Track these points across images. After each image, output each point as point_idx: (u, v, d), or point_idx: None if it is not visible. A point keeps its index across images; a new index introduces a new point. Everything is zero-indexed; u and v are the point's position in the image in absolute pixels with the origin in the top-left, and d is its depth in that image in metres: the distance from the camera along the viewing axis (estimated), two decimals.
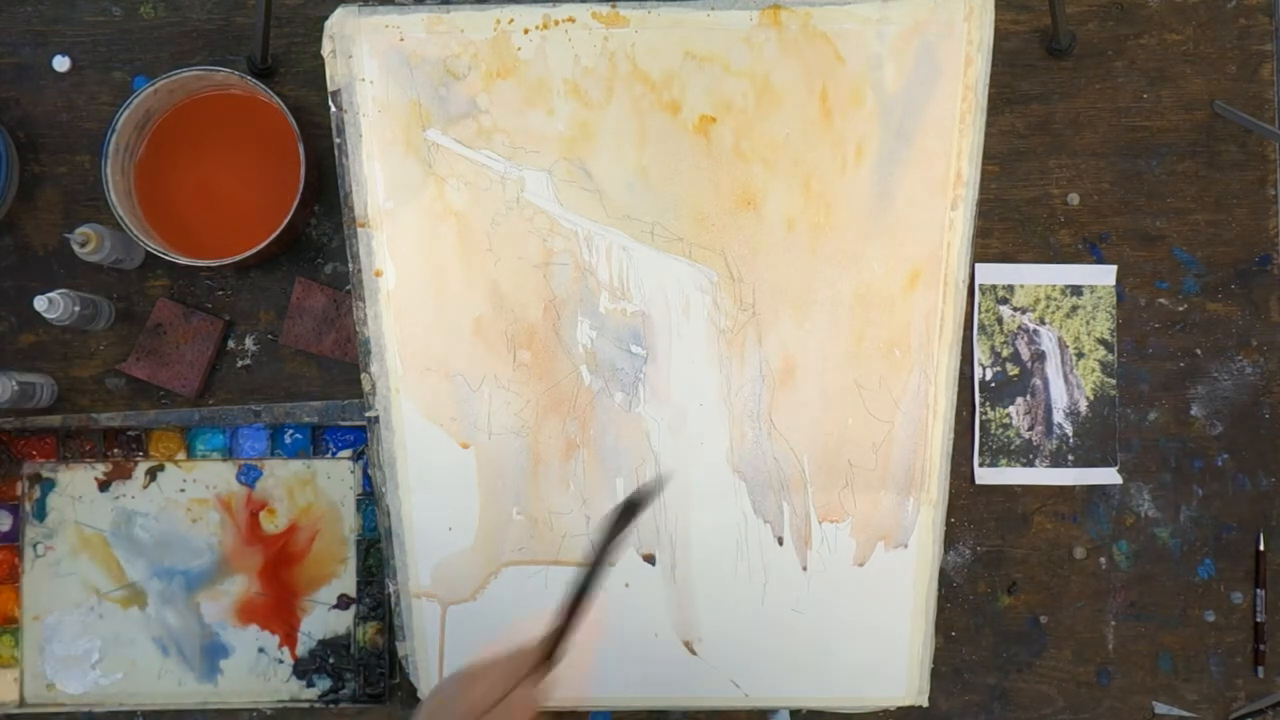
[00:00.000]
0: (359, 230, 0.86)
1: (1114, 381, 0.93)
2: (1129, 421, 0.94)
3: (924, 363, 0.88)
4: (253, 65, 0.91)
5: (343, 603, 0.92)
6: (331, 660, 0.92)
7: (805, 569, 0.89)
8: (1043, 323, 0.93)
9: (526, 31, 0.85)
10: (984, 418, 0.93)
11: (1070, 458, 0.93)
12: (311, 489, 0.92)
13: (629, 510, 0.71)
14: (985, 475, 0.93)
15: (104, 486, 0.92)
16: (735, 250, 0.87)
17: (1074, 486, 0.93)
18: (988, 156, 0.89)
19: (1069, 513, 0.94)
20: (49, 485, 0.92)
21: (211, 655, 0.92)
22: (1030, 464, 0.93)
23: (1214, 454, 0.94)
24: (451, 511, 0.89)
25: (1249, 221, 0.94)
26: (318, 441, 0.92)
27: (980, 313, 0.93)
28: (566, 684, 0.74)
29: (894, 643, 0.90)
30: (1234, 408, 0.94)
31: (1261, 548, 0.93)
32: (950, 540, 0.93)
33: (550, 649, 0.69)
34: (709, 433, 0.88)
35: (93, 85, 0.93)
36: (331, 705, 0.92)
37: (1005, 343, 0.93)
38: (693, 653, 0.90)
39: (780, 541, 0.89)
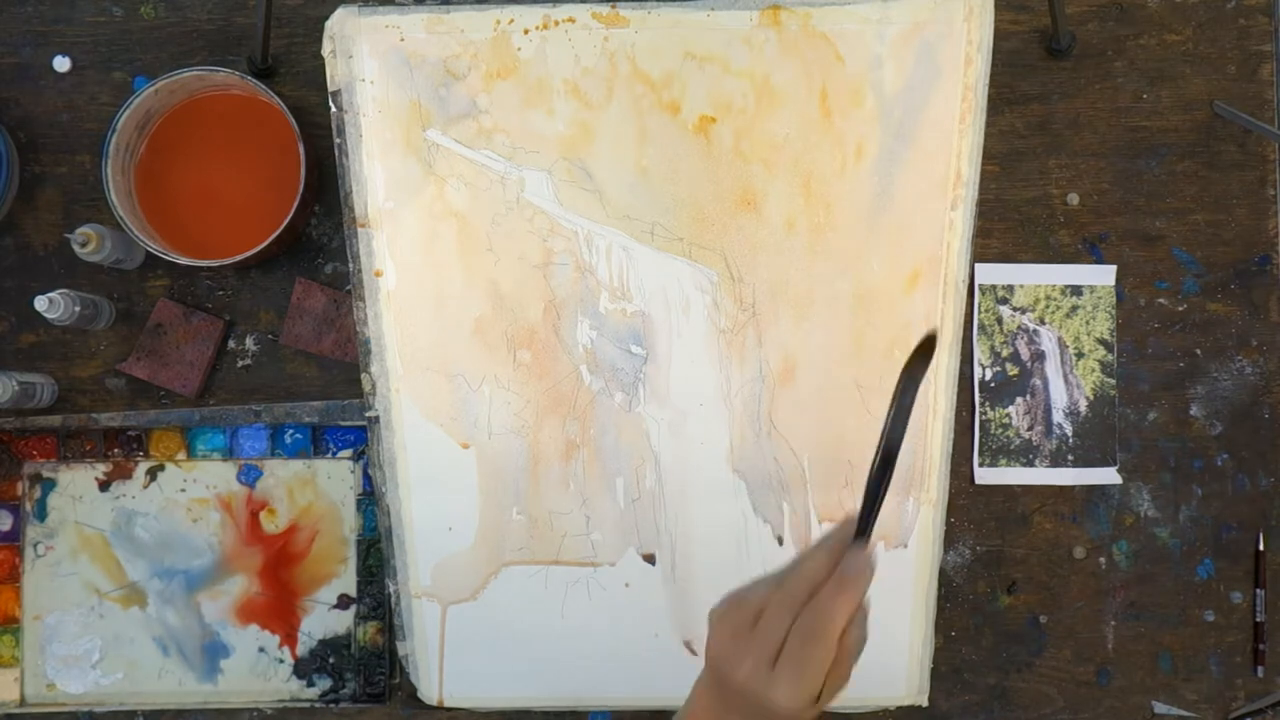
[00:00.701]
0: (359, 230, 0.86)
1: (1114, 381, 0.93)
2: (1129, 421, 0.94)
3: None
4: (253, 65, 0.91)
5: (343, 603, 0.92)
6: (332, 660, 0.92)
7: None
8: (1043, 323, 0.93)
9: (526, 32, 0.85)
10: (984, 418, 0.93)
11: (1070, 458, 0.93)
12: (311, 489, 0.92)
13: (924, 351, 0.66)
14: (985, 475, 0.93)
15: (104, 486, 0.92)
16: (735, 250, 0.87)
17: (1074, 486, 0.93)
18: (988, 156, 0.89)
19: (1069, 513, 0.94)
20: (49, 485, 0.92)
21: (212, 655, 0.92)
22: (1030, 464, 0.93)
23: (1214, 454, 0.94)
24: (451, 511, 0.89)
25: (1249, 221, 0.94)
26: (318, 441, 0.92)
27: (980, 313, 0.93)
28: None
29: (894, 643, 0.90)
30: (1234, 408, 0.94)
31: (1261, 548, 0.93)
32: (950, 540, 0.93)
33: (863, 523, 0.65)
34: (709, 433, 0.88)
35: (93, 85, 0.93)
36: (332, 705, 0.92)
37: (1005, 343, 0.93)
38: (692, 653, 0.90)
39: (780, 541, 0.89)
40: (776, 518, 0.89)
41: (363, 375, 0.88)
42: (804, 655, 0.62)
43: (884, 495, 0.65)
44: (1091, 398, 0.93)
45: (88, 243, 0.86)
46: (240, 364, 0.93)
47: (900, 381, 0.65)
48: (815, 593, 0.63)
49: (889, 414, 0.64)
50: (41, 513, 0.92)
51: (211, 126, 0.91)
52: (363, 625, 0.92)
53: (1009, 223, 0.94)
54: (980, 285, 0.93)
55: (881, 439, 0.64)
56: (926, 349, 0.65)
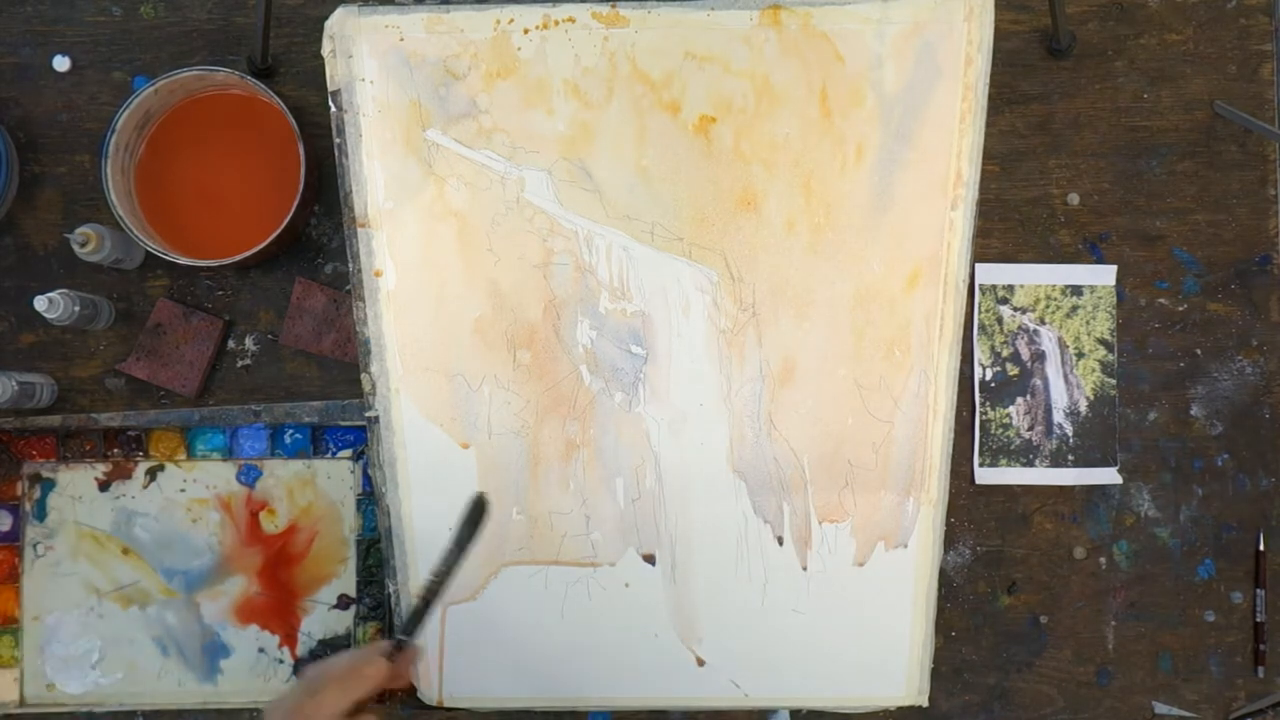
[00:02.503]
0: (359, 230, 0.86)
1: (1114, 381, 0.93)
2: (1129, 421, 0.94)
3: (924, 363, 0.88)
4: (253, 65, 0.91)
5: (343, 603, 0.92)
6: None
7: (805, 569, 0.89)
8: (1043, 323, 0.93)
9: (526, 31, 0.85)
10: (984, 418, 0.93)
11: (1070, 458, 0.93)
12: (311, 489, 0.92)
13: (475, 514, 0.78)
14: (985, 475, 0.93)
15: (104, 486, 0.92)
16: (735, 250, 0.87)
17: (1074, 486, 0.93)
18: (988, 156, 0.89)
19: (1069, 513, 0.94)
20: (49, 485, 0.92)
21: (211, 655, 0.92)
22: (1030, 464, 0.93)
23: (1214, 454, 0.94)
24: (451, 511, 0.89)
25: (1249, 221, 0.94)
26: (318, 441, 0.92)
27: (980, 313, 0.93)
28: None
29: (894, 643, 0.90)
30: (1234, 408, 0.94)
31: (1261, 548, 0.93)
32: (950, 540, 0.93)
33: (397, 645, 0.76)
34: (709, 433, 0.88)
35: (93, 85, 0.93)
36: None
37: (1005, 343, 0.93)
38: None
39: (780, 541, 0.89)
40: (776, 518, 0.89)
41: (363, 375, 0.88)
42: None
43: (428, 614, 0.77)
44: (1092, 398, 0.93)
45: (87, 243, 0.86)
46: (240, 364, 0.93)
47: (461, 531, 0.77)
48: (325, 685, 0.72)
49: (453, 544, 0.77)
50: (41, 513, 0.92)
51: (211, 126, 0.91)
52: (362, 625, 0.92)
53: (1009, 223, 0.94)
54: (980, 285, 0.93)
55: (440, 568, 0.77)
56: (476, 515, 0.78)
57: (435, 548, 0.89)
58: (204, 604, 0.92)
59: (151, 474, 0.92)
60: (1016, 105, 0.93)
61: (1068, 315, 0.93)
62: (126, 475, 0.92)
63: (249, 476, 0.92)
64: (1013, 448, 0.93)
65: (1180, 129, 0.94)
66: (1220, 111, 0.93)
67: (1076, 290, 0.93)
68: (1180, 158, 0.94)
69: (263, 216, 0.89)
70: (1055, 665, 0.93)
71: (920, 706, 0.91)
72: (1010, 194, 0.94)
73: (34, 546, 0.92)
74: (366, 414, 0.88)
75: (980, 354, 0.93)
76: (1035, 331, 0.93)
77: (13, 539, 0.92)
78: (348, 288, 0.91)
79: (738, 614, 0.90)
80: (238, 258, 0.86)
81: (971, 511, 0.94)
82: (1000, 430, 0.93)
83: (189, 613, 0.92)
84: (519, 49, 0.85)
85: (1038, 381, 0.93)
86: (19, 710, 0.92)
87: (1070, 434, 0.93)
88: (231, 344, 0.93)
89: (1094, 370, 0.93)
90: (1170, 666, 0.93)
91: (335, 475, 0.92)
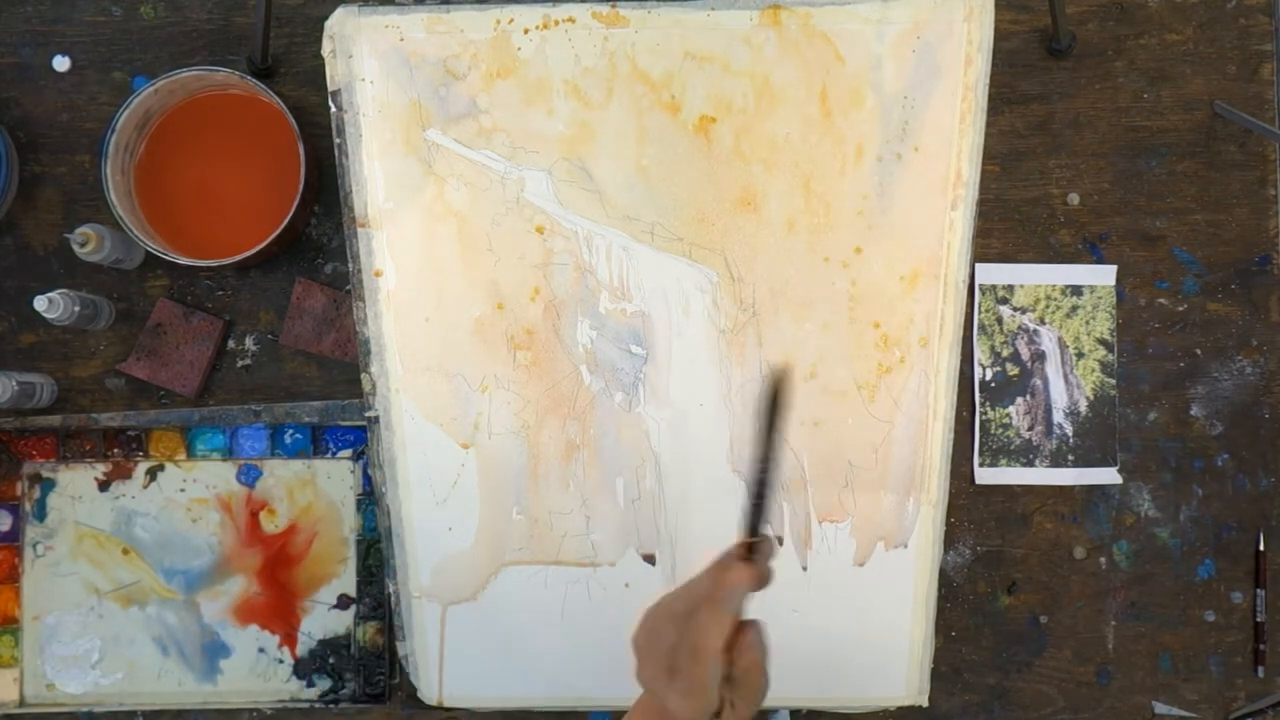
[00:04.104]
0: (359, 230, 0.86)
1: (1114, 381, 0.93)
2: (1129, 421, 0.94)
3: (924, 363, 0.88)
4: (253, 65, 0.91)
5: (343, 603, 0.92)
6: (331, 660, 0.92)
7: (805, 569, 0.89)
8: (1043, 323, 0.93)
9: (526, 31, 0.85)
10: (984, 418, 0.93)
11: (1070, 458, 0.93)
12: (311, 489, 0.92)
13: (774, 396, 0.67)
14: (985, 475, 0.93)
15: (104, 486, 0.92)
16: (735, 250, 0.87)
17: (1074, 486, 0.93)
18: (988, 156, 0.89)
19: (1069, 513, 0.94)
20: (49, 485, 0.92)
21: (211, 655, 0.92)
22: (1030, 464, 0.93)
23: (1214, 454, 0.94)
24: (451, 511, 0.89)
25: (1249, 221, 0.94)
26: (318, 441, 0.92)
27: (980, 313, 0.93)
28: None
29: (894, 643, 0.90)
30: (1234, 408, 0.94)
31: (1261, 548, 0.93)
32: (950, 540, 0.93)
33: (748, 547, 0.68)
34: (709, 433, 0.88)
35: (93, 85, 0.93)
36: (331, 705, 0.92)
37: (1005, 343, 0.93)
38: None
39: (780, 542, 0.89)
40: (776, 518, 0.89)
41: (363, 375, 0.88)
42: (688, 668, 0.64)
43: (765, 508, 0.68)
44: (1092, 398, 0.93)
45: (87, 243, 0.86)
46: (240, 364, 0.93)
47: (767, 403, 0.67)
48: (697, 608, 0.65)
49: (762, 430, 0.67)
50: (41, 513, 0.92)
51: (211, 126, 0.91)
52: (363, 625, 0.92)
53: (1009, 223, 0.94)
54: (980, 285, 0.93)
55: (759, 457, 0.67)
56: (775, 394, 0.67)
57: (437, 547, 0.89)
58: (204, 604, 0.92)
59: (151, 474, 0.92)
60: (1016, 105, 0.93)
61: (1068, 315, 0.93)
62: (126, 475, 0.92)
63: (249, 476, 0.92)
64: (1013, 448, 0.93)
65: (1180, 129, 0.94)
66: (1220, 111, 0.93)
67: (1076, 290, 0.93)
68: (1180, 158, 0.94)
69: (263, 216, 0.88)
70: (1055, 665, 0.93)
71: (920, 706, 0.91)
72: (1010, 194, 0.94)
73: (34, 546, 0.92)
74: (366, 414, 0.88)
75: (980, 354, 0.93)
76: (1035, 331, 0.93)
77: (13, 539, 0.92)
78: (348, 288, 0.91)
79: None
80: (238, 258, 0.86)
81: (971, 511, 0.94)
82: (1000, 430, 0.93)
83: (189, 613, 0.92)
84: (519, 49, 0.85)
85: (1038, 381, 0.93)
86: (19, 710, 0.92)
87: (1070, 434, 0.93)
88: (231, 344, 0.93)
89: (1094, 370, 0.93)
90: (1170, 666, 0.93)
91: (335, 475, 0.92)
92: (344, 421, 0.92)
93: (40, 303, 0.84)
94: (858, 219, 0.87)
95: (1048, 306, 0.93)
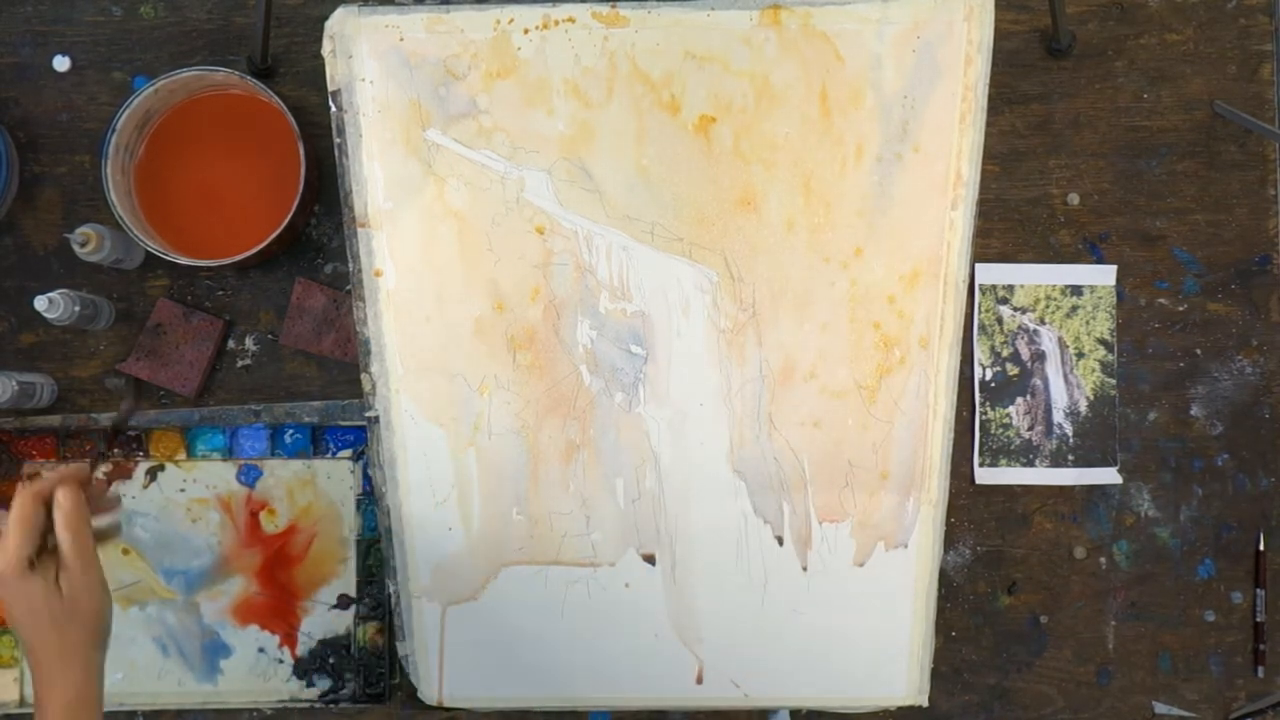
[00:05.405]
0: (359, 230, 0.86)
1: (1114, 381, 0.93)
2: (1129, 421, 0.94)
3: (924, 363, 0.88)
4: (253, 65, 0.91)
5: (343, 603, 0.92)
6: (331, 660, 0.92)
7: (805, 569, 0.89)
8: (1043, 323, 0.93)
9: (526, 31, 0.85)
10: (984, 418, 0.93)
11: (1070, 458, 0.93)
12: (311, 489, 0.92)
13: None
14: (985, 475, 0.93)
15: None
16: (735, 250, 0.87)
17: (1074, 486, 0.93)
18: (988, 156, 0.89)
19: (1069, 513, 0.94)
20: None
21: (211, 655, 0.92)
22: (1030, 464, 0.93)
23: (1214, 454, 0.94)
24: (451, 511, 0.89)
25: (1249, 221, 0.94)
26: (318, 441, 0.92)
27: (980, 313, 0.93)
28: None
29: (894, 643, 0.90)
30: (1234, 408, 0.94)
31: (1261, 548, 0.93)
32: (950, 540, 0.93)
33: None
34: (709, 433, 0.88)
35: (93, 85, 0.93)
36: (331, 705, 0.92)
37: (1005, 343, 0.93)
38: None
39: (780, 541, 0.89)
40: (776, 518, 0.89)
41: (363, 375, 0.88)
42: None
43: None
44: (1092, 398, 0.93)
45: (87, 243, 0.86)
46: (240, 364, 0.93)
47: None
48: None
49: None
50: None
51: (211, 126, 0.91)
52: (363, 625, 0.92)
53: (1009, 223, 0.94)
54: (980, 285, 0.93)
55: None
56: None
57: (437, 548, 0.89)
58: (204, 604, 0.92)
59: (152, 474, 0.92)
60: (1016, 105, 0.93)
61: (1068, 315, 0.93)
62: (126, 475, 0.92)
63: (249, 476, 0.92)
64: (1013, 448, 0.93)
65: (1180, 129, 0.94)
66: (1220, 111, 0.93)
67: (1076, 290, 0.93)
68: (1180, 158, 0.94)
69: (263, 216, 0.88)
70: (1055, 665, 0.93)
71: (920, 706, 0.91)
72: (1010, 194, 0.94)
73: None
74: (366, 414, 0.88)
75: (980, 354, 0.93)
76: (1035, 331, 0.93)
77: None
78: (348, 288, 0.91)
79: (738, 614, 0.90)
80: (238, 258, 0.86)
81: (971, 511, 0.94)
82: (1000, 430, 0.93)
83: (189, 613, 0.92)
84: (519, 49, 0.85)
85: (1038, 381, 0.93)
86: (19, 710, 0.92)
87: (1070, 434, 0.93)
88: (231, 344, 0.93)
89: (1094, 370, 0.93)
90: (1170, 666, 0.93)
91: (335, 475, 0.92)
92: (344, 421, 0.92)
93: (40, 303, 0.84)
94: (858, 219, 0.87)
95: (1048, 306, 0.93)
